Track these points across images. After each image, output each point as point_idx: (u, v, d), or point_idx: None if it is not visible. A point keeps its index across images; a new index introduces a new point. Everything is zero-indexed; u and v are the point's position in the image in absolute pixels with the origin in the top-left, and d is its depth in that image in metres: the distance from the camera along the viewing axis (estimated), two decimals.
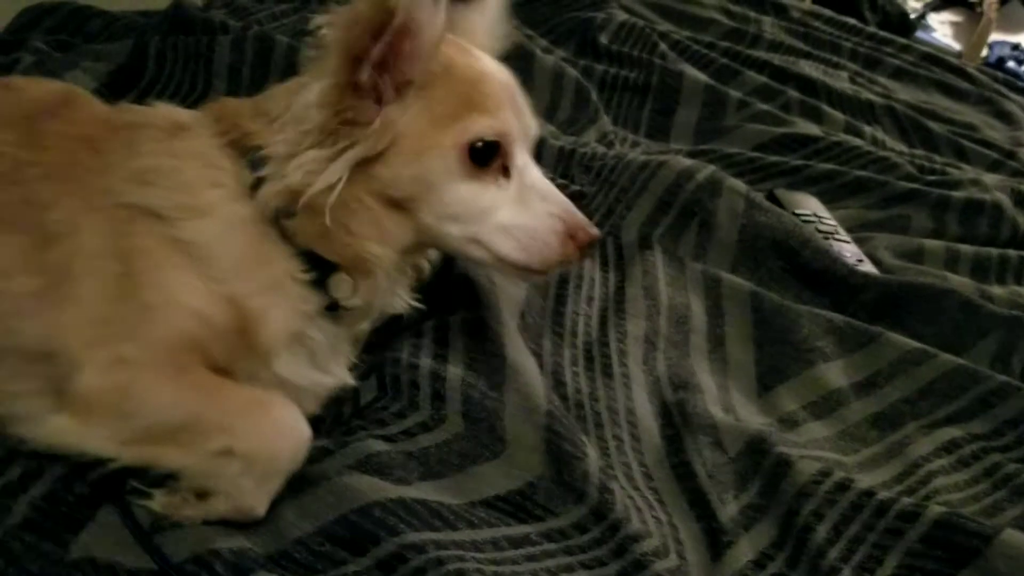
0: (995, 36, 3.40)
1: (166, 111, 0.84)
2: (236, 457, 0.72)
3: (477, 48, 0.85)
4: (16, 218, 0.75)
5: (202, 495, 0.72)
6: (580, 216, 0.83)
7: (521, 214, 0.82)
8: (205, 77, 1.42)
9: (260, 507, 0.74)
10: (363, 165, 0.76)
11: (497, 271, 0.88)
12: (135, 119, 0.83)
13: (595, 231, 0.84)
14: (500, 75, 0.83)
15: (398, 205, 0.79)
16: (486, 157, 0.79)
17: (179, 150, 0.79)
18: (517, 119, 0.82)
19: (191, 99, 1.39)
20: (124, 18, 1.74)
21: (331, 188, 0.75)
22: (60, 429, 0.71)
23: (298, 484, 0.76)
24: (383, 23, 0.71)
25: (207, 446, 0.71)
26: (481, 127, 0.79)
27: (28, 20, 1.70)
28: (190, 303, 0.75)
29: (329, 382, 0.84)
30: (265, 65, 1.42)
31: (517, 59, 1.72)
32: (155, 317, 0.73)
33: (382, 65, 0.74)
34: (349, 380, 0.86)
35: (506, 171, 0.82)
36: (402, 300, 0.87)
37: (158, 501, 0.72)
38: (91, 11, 1.74)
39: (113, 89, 1.40)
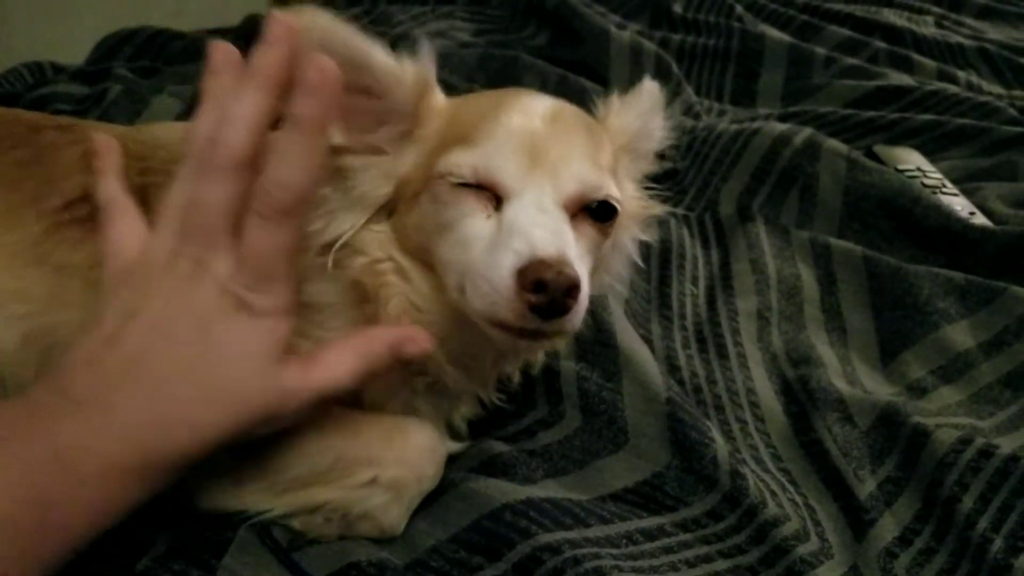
0: None
1: None
2: (381, 485, 0.72)
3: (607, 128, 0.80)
4: None
5: (343, 516, 0.72)
6: (545, 251, 0.64)
7: (487, 252, 0.67)
8: None
9: (400, 525, 0.74)
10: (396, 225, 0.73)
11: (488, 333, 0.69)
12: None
13: (554, 270, 0.62)
14: (530, 120, 0.72)
15: (423, 259, 0.74)
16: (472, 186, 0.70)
17: None
18: (525, 163, 0.70)
19: None
20: (201, 38, 1.76)
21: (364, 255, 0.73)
22: (217, 493, 0.71)
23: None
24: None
25: (354, 480, 0.71)
26: (454, 162, 0.70)
27: (108, 49, 1.74)
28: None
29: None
30: None
31: (592, 38, 1.72)
32: None
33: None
34: (455, 449, 0.81)
35: (500, 203, 0.70)
36: (489, 395, 0.82)
37: (297, 521, 0.72)
38: (169, 34, 1.77)
39: None
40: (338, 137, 0.71)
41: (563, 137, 0.72)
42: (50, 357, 0.73)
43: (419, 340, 0.70)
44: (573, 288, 0.63)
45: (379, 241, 0.74)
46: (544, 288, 0.62)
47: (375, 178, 0.73)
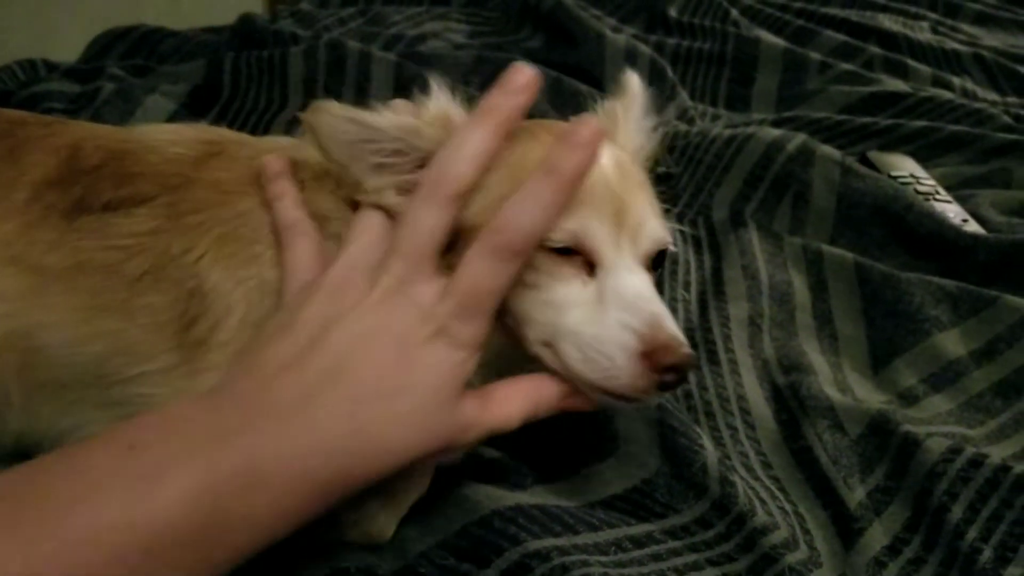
0: None
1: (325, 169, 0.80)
2: (370, 492, 0.71)
3: (618, 143, 0.80)
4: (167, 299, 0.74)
5: (331, 521, 0.72)
6: (668, 334, 0.68)
7: (591, 320, 0.69)
8: (281, 90, 1.42)
9: (389, 531, 0.74)
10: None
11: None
12: None
13: (682, 352, 0.67)
14: (605, 175, 0.72)
15: None
16: (562, 250, 0.70)
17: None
18: (611, 224, 0.71)
19: (269, 113, 1.40)
20: (195, 37, 1.77)
21: None
22: None
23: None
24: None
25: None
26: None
27: (101, 47, 1.73)
28: None
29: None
30: (340, 72, 1.42)
31: (587, 42, 1.72)
32: None
33: None
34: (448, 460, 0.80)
35: (592, 269, 0.71)
36: None
37: None
38: (163, 32, 1.77)
39: (192, 109, 1.41)
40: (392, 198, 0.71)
41: (634, 192, 0.74)
42: (32, 360, 0.73)
43: (586, 401, 0.72)
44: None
45: None
46: (676, 370, 0.67)
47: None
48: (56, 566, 0.52)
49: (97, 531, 0.53)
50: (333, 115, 0.69)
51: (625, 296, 0.70)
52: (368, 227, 0.71)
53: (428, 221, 0.66)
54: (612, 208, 0.71)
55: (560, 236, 0.69)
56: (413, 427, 0.64)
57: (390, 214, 0.71)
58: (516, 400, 0.70)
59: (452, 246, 0.70)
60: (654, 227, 0.73)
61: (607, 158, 0.73)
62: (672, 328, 0.69)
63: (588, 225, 0.69)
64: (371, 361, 0.64)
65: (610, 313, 0.69)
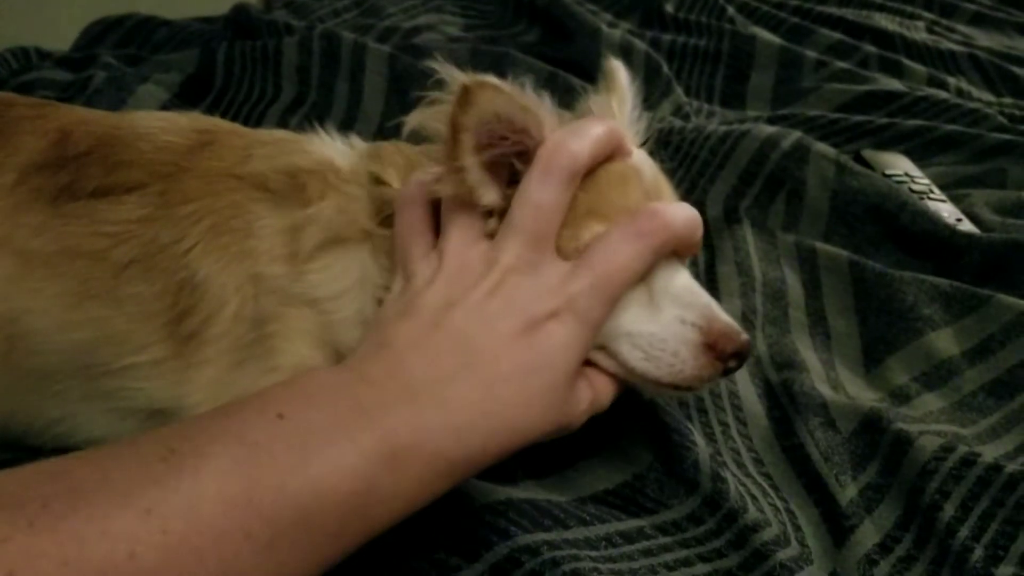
0: None
1: (320, 162, 0.81)
2: None
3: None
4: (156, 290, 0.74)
5: None
6: (724, 322, 0.73)
7: (648, 319, 0.73)
8: (275, 80, 1.41)
9: None
10: None
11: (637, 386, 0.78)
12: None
13: (742, 339, 0.73)
14: (643, 178, 0.76)
15: None
16: None
17: (338, 259, 0.77)
18: None
19: (262, 104, 1.39)
20: (188, 26, 1.75)
21: None
22: None
23: None
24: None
25: None
26: (593, 235, 0.71)
27: (94, 36, 1.72)
28: (315, 363, 0.74)
29: None
30: (334, 64, 1.41)
31: (583, 37, 1.71)
32: (280, 375, 0.73)
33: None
34: None
35: None
36: None
37: None
38: (156, 21, 1.75)
39: (185, 99, 1.40)
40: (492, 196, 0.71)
41: (667, 190, 0.79)
42: (17, 346, 0.72)
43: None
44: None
45: None
46: (738, 356, 0.73)
47: None
48: (211, 528, 0.53)
49: (252, 496, 0.54)
50: (499, 90, 0.69)
51: (676, 292, 0.73)
52: (451, 218, 0.71)
53: (548, 198, 0.68)
54: None
55: None
56: (541, 407, 0.66)
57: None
58: (606, 380, 0.73)
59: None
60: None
61: (641, 159, 0.77)
62: (726, 317, 0.73)
63: None
64: (499, 341, 0.65)
65: (666, 311, 0.73)
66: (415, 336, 0.65)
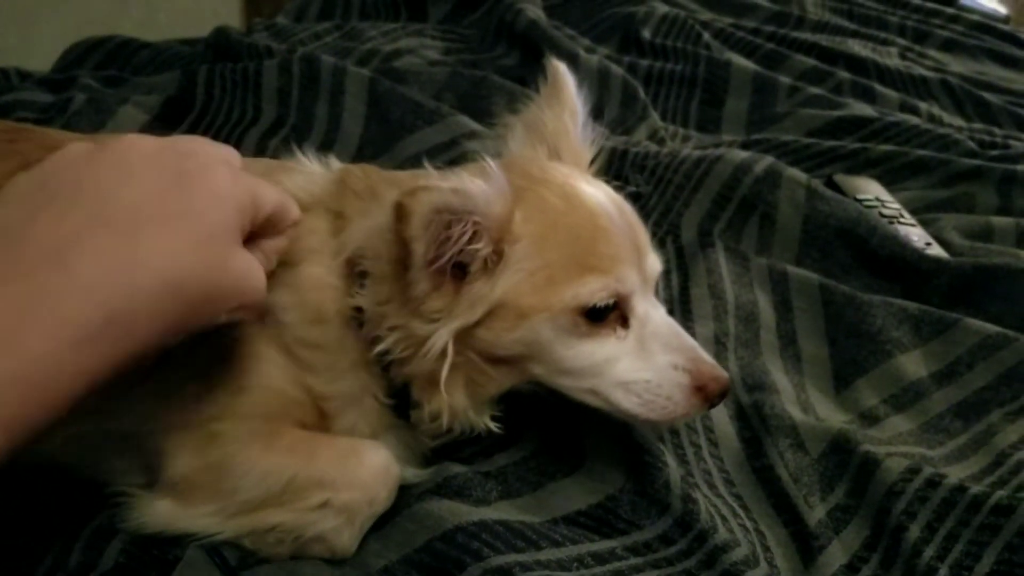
0: None
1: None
2: (333, 508, 0.72)
3: (573, 160, 0.84)
4: None
5: (296, 538, 0.72)
6: (708, 364, 0.78)
7: (642, 368, 0.77)
8: (255, 103, 1.42)
9: (352, 547, 0.74)
10: (465, 329, 0.73)
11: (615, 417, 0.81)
12: None
13: (726, 380, 0.78)
14: (616, 219, 0.77)
15: (504, 361, 0.76)
16: (602, 314, 0.75)
17: (300, 278, 0.76)
18: (636, 268, 0.77)
19: (242, 126, 1.40)
20: (170, 48, 1.76)
21: (442, 357, 0.73)
22: (164, 515, 0.71)
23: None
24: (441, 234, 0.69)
25: (307, 502, 0.72)
26: (593, 290, 0.73)
27: (76, 57, 1.73)
28: (282, 386, 0.75)
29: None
30: (314, 87, 1.42)
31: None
32: (247, 395, 0.73)
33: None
34: (416, 478, 0.82)
35: (625, 320, 0.77)
36: (484, 422, 0.81)
37: (248, 540, 0.72)
38: (137, 43, 1.77)
39: (165, 121, 1.41)
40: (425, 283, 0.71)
41: (638, 227, 0.81)
42: None
43: None
44: None
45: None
46: (723, 395, 0.78)
47: (472, 306, 0.72)
48: None
49: None
50: (429, 190, 0.68)
51: (664, 337, 0.78)
52: None
53: None
54: (634, 252, 0.78)
55: (603, 296, 0.74)
56: (190, 253, 0.58)
57: None
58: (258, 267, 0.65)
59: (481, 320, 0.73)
60: (655, 260, 0.82)
61: (604, 197, 0.79)
62: (708, 358, 0.78)
63: (625, 280, 0.76)
64: (141, 189, 0.59)
65: (657, 357, 0.77)
66: (37, 207, 0.57)
